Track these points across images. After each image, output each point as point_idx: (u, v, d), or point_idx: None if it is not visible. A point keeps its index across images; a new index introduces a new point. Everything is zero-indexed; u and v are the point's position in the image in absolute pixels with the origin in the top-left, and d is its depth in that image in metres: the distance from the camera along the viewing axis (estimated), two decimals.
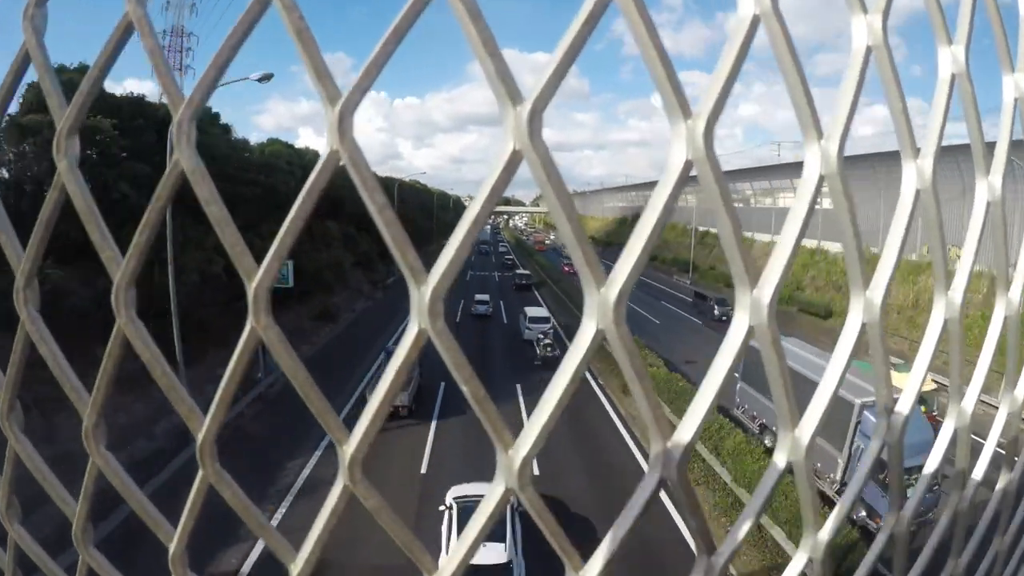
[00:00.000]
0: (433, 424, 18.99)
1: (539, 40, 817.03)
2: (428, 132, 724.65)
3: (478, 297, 38.23)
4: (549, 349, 26.21)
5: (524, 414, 19.52)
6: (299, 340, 28.08)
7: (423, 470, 15.99)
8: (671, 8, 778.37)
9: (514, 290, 49.22)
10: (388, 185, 60.46)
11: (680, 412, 16.95)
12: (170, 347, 16.31)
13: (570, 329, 28.20)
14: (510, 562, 10.88)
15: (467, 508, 11.73)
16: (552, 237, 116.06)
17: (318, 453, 16.32)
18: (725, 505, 13.69)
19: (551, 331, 28.24)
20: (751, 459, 13.89)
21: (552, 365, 17.59)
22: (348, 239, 42.97)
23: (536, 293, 48.06)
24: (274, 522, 12.91)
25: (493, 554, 10.67)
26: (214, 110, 30.57)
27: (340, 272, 37.71)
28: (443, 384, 21.87)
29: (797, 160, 47.18)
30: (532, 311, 31.22)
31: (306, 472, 15.47)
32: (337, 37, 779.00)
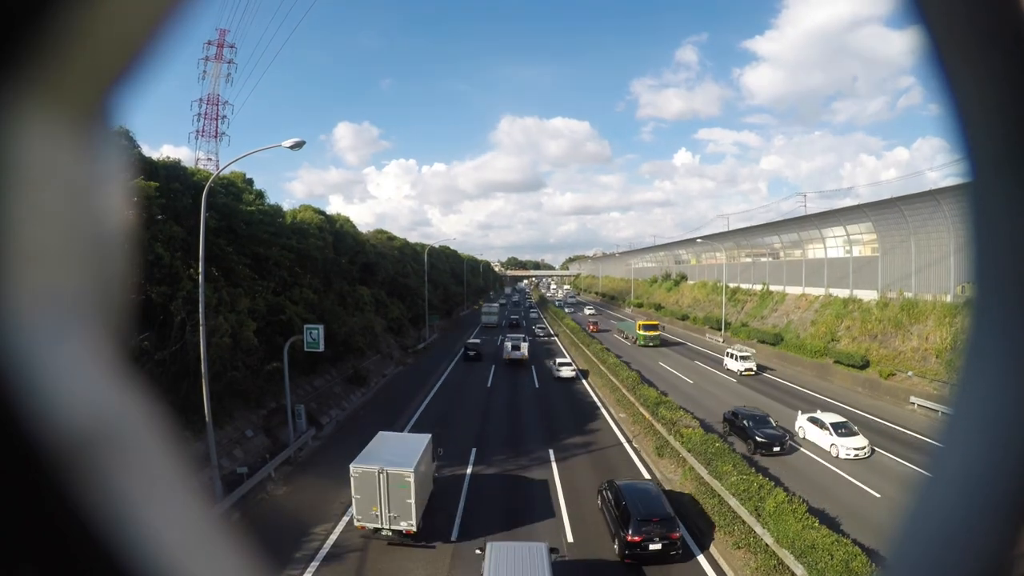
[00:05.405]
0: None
1: (557, 107, 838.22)
2: (455, 198, 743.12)
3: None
4: None
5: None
6: (332, 404, 28.23)
7: None
8: (687, 67, 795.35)
9: None
10: (418, 251, 61.13)
11: (718, 474, 16.38)
12: (200, 407, 16.38)
13: None
14: None
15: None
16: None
17: (345, 519, 16.04)
18: (768, 568, 13.02)
19: None
20: (793, 519, 13.24)
21: None
22: (379, 305, 43.33)
23: None
24: None
25: None
26: (248, 175, 31.56)
27: (372, 337, 37.88)
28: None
29: (824, 210, 47.18)
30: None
31: (332, 537, 15.16)
32: (365, 108, 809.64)
